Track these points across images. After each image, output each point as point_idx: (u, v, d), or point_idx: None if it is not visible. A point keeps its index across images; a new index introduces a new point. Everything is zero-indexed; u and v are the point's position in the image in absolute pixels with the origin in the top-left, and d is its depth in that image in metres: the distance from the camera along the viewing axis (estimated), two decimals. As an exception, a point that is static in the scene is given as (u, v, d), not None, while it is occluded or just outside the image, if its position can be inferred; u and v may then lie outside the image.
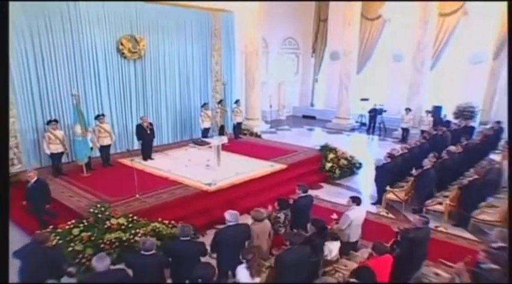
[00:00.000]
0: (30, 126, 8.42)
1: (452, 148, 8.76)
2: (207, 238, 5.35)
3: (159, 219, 6.06)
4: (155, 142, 9.81)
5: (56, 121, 8.22)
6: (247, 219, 5.24)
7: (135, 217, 5.99)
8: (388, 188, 7.69)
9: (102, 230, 5.60)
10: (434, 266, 5.08)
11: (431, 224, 5.36)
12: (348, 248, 5.35)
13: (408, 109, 13.15)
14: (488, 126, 12.01)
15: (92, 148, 8.53)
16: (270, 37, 16.05)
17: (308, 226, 5.05)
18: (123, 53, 9.71)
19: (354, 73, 15.40)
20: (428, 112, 13.00)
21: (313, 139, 13.14)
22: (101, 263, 3.72)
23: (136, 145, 9.87)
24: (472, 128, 12.26)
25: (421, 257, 4.94)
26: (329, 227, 5.16)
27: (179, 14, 10.73)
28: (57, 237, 5.34)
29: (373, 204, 7.90)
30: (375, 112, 14.95)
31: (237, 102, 11.99)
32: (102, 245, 5.40)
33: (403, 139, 13.08)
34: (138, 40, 9.89)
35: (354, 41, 15.03)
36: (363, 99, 15.68)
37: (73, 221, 5.79)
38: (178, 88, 11.26)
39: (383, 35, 15.48)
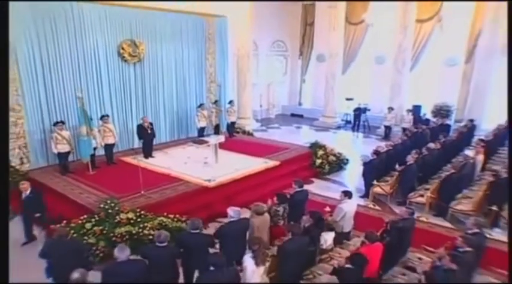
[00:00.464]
0: (37, 127, 8.71)
1: (431, 145, 9.20)
2: (209, 231, 5.75)
3: (165, 213, 6.30)
4: (154, 141, 10.07)
5: (62, 122, 8.51)
6: (245, 212, 5.60)
7: (142, 212, 6.20)
8: (375, 182, 8.04)
9: (112, 225, 5.83)
10: (417, 252, 5.46)
11: (415, 215, 5.65)
12: (341, 238, 5.71)
13: (390, 108, 13.72)
14: (462, 124, 12.63)
15: (95, 148, 8.79)
16: (259, 40, 16.34)
17: (303, 218, 5.25)
18: (124, 57, 10.01)
19: (339, 74, 15.84)
20: (409, 111, 13.53)
21: (302, 136, 13.44)
22: (122, 253, 4.00)
23: (137, 144, 10.23)
24: (448, 126, 12.72)
25: (407, 245, 5.37)
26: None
27: (176, 20, 11.05)
28: (72, 231, 5.51)
29: (361, 197, 8.20)
30: (359, 111, 15.45)
31: (231, 102, 12.36)
32: (113, 238, 5.61)
33: (386, 136, 13.62)
34: (138, 44, 10.20)
35: (338, 44, 15.50)
36: (348, 99, 16.21)
37: (85, 216, 6.04)
38: (175, 89, 11.59)
39: (366, 39, 15.86)
